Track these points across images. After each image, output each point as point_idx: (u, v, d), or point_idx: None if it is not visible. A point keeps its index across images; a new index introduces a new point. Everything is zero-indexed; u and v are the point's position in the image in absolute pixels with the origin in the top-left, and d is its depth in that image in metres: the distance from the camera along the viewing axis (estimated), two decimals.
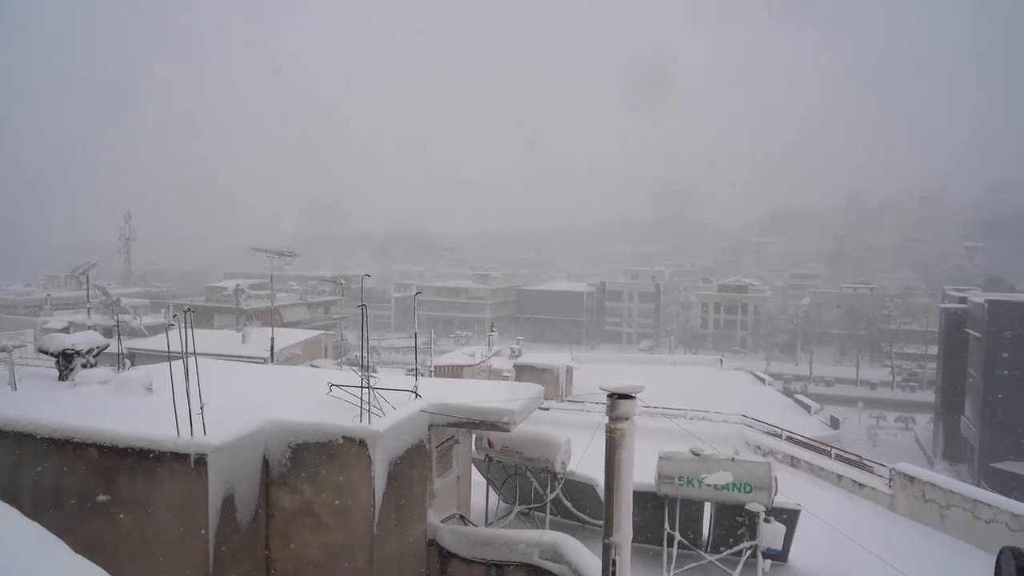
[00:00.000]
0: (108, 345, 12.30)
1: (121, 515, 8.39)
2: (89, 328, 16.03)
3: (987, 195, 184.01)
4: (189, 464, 8.14)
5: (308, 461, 9.08)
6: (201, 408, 8.23)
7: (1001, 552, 6.54)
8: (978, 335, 48.46)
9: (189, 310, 8.80)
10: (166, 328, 9.26)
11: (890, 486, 15.57)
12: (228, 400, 10.00)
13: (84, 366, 11.53)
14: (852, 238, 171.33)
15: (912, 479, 14.98)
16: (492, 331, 40.84)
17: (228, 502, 8.45)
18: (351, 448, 8.98)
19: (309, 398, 10.76)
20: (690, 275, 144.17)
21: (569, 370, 31.03)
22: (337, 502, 9.02)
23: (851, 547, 10.42)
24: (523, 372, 29.39)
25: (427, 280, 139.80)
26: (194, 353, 8.40)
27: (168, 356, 9.02)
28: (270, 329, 22.35)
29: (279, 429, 9.17)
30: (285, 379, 13.69)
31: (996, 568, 6.58)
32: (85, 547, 8.04)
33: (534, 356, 34.88)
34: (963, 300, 54.82)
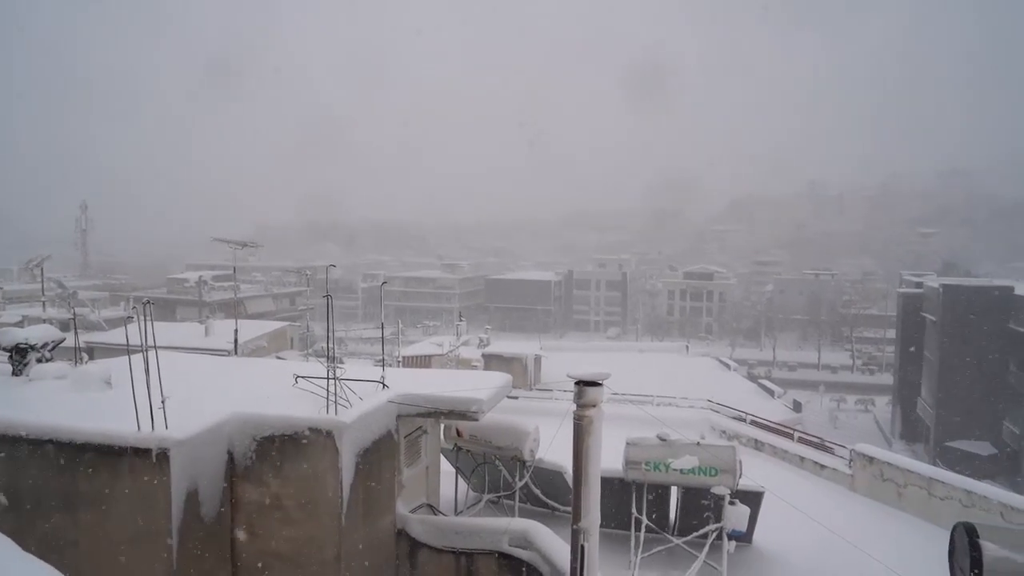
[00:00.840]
0: (64, 339, 11.97)
1: (81, 513, 8.20)
2: (44, 322, 15.59)
3: (940, 182, 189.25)
4: (151, 459, 7.98)
5: (274, 454, 8.98)
6: (163, 402, 8.07)
7: (955, 527, 6.74)
8: (934, 319, 49.92)
9: (148, 302, 8.60)
10: (124, 321, 9.05)
11: (850, 467, 15.99)
12: (191, 394, 9.83)
13: (39, 361, 11.21)
14: (812, 225, 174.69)
15: (871, 459, 15.39)
16: (460, 321, 40.75)
17: (192, 497, 8.32)
18: (318, 440, 8.90)
19: (275, 390, 10.63)
20: (656, 263, 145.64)
21: (537, 359, 31.18)
22: (304, 494, 8.94)
23: (813, 527, 10.68)
24: (492, 361, 29.43)
25: (395, 270, 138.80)
26: (154, 346, 8.22)
27: (127, 349, 8.81)
28: (234, 321, 22.00)
29: (244, 422, 9.04)
30: (250, 371, 13.50)
31: (950, 543, 6.79)
32: (43, 547, 7.86)
33: (503, 345, 34.97)
34: (919, 285, 56.41)
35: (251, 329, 36.13)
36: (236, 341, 20.10)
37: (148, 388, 7.96)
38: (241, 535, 9.07)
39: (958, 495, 13.19)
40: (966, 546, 6.55)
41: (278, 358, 28.84)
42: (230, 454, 9.01)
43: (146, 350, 8.08)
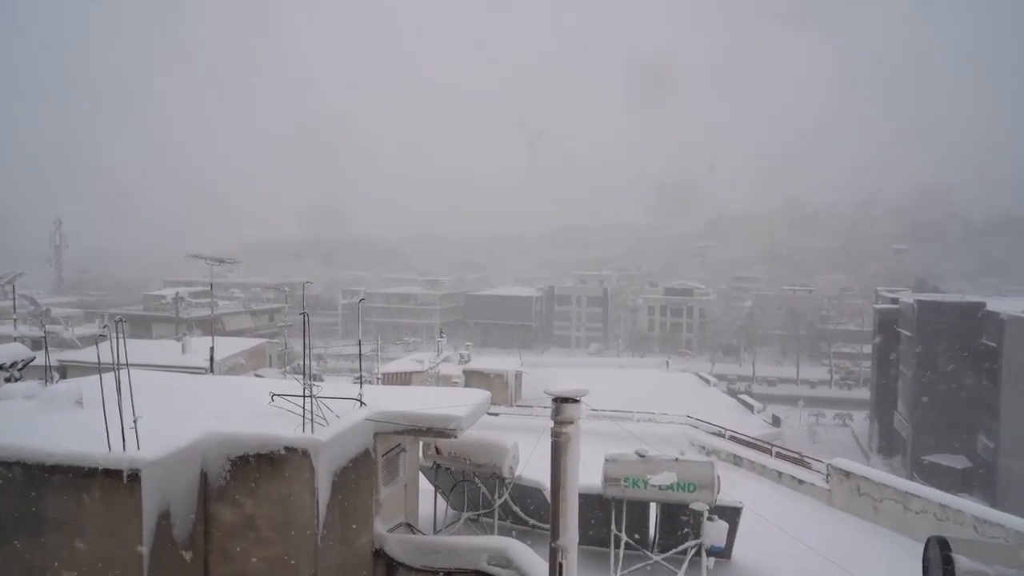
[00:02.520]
0: (35, 358, 11.76)
1: (50, 537, 8.01)
2: (15, 340, 15.30)
3: (915, 200, 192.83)
4: (122, 480, 7.83)
5: (249, 473, 8.85)
6: (134, 422, 7.93)
7: (928, 541, 6.83)
8: (909, 334, 50.64)
9: (121, 320, 8.48)
10: (96, 339, 8.91)
11: (827, 481, 16.10)
12: (165, 413, 9.68)
13: (8, 380, 11.00)
14: (790, 242, 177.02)
15: (848, 474, 15.51)
16: (441, 337, 40.71)
17: (164, 518, 8.16)
18: (294, 458, 8.79)
19: (251, 408, 10.51)
20: (637, 279, 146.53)
21: (518, 375, 31.09)
22: (279, 515, 8.81)
23: (791, 542, 10.73)
24: (472, 378, 29.32)
25: (375, 286, 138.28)
26: (126, 364, 8.09)
27: (99, 368, 8.68)
28: (211, 338, 21.75)
29: (218, 441, 8.91)
30: (226, 389, 13.33)
31: (924, 557, 6.86)
32: (10, 573, 7.68)
33: (483, 361, 34.87)
34: (895, 301, 57.26)
35: (229, 346, 35.75)
36: (212, 358, 19.85)
37: (120, 407, 7.83)
38: (215, 557, 8.91)
39: (933, 509, 13.32)
40: (939, 559, 6.62)
41: (256, 375, 28.50)
42: (204, 474, 8.87)
43: (118, 368, 7.96)
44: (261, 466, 8.83)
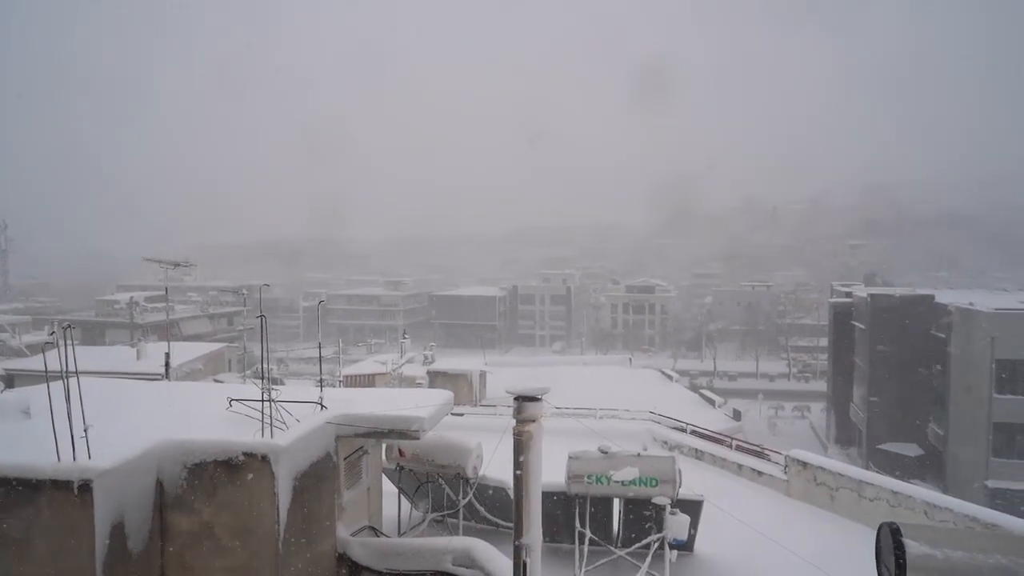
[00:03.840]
0: None
1: None
2: None
3: (867, 196, 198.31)
4: (72, 491, 7.60)
5: (207, 481, 8.67)
6: (85, 431, 7.70)
7: (880, 528, 7.02)
8: (862, 327, 52.02)
9: (69, 326, 8.23)
10: (43, 346, 8.62)
11: (786, 472, 16.44)
12: (118, 421, 9.42)
13: None
14: (749, 238, 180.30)
15: (805, 465, 15.87)
16: (405, 338, 40.40)
17: (117, 530, 7.95)
18: (253, 464, 8.64)
19: (209, 415, 10.31)
20: (599, 277, 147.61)
21: (483, 375, 31.04)
22: (239, 522, 8.65)
23: (751, 532, 10.93)
24: (436, 378, 29.15)
25: (338, 288, 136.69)
26: (75, 372, 7.86)
27: (46, 376, 8.40)
28: (166, 343, 21.24)
29: (174, 448, 8.72)
30: (183, 396, 13.05)
31: (876, 543, 7.07)
32: None
33: (448, 362, 34.73)
34: (849, 295, 58.73)
35: (186, 351, 34.95)
36: (168, 364, 19.39)
37: (69, 416, 7.60)
38: (172, 567, 8.71)
39: (886, 496, 13.71)
40: (891, 545, 6.84)
41: (215, 381, 27.92)
42: (160, 483, 8.67)
43: (67, 376, 7.73)
44: (219, 473, 8.66)
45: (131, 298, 63.29)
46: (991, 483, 38.46)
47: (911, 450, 46.55)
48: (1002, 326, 39.08)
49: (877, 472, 22.50)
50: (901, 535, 6.94)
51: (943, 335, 44.26)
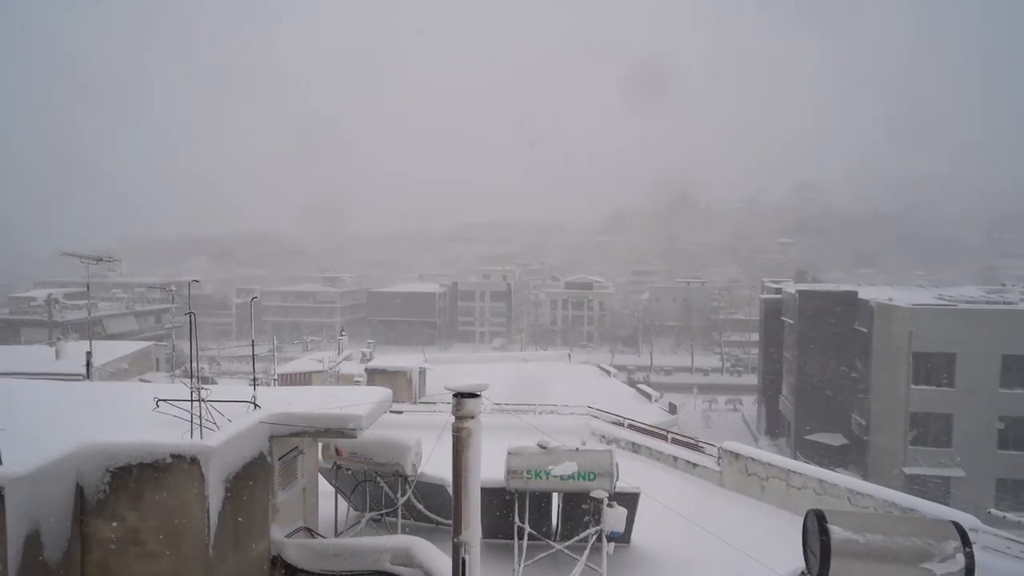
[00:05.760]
0: None
1: None
2: None
3: (796, 196, 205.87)
4: None
5: (131, 485, 8.32)
6: None
7: (807, 514, 7.32)
8: (791, 322, 53.98)
9: None
10: None
11: (719, 464, 16.91)
12: (34, 424, 8.96)
13: None
14: (687, 236, 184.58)
15: (737, 456, 16.35)
16: (342, 335, 39.76)
17: (32, 539, 7.53)
18: (181, 466, 8.34)
19: (134, 416, 9.91)
20: (540, 274, 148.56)
21: (422, 372, 30.81)
22: (166, 527, 8.33)
23: (685, 523, 11.19)
24: (375, 376, 28.79)
25: (273, 284, 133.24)
26: None
27: None
28: (88, 342, 20.27)
29: (96, 452, 8.32)
30: (106, 396, 12.49)
31: (803, 528, 7.35)
32: None
33: (386, 359, 34.37)
34: (778, 291, 60.85)
35: (111, 351, 33.55)
36: (90, 364, 18.52)
37: None
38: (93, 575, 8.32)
39: (812, 484, 14.27)
40: (817, 530, 7.12)
41: (142, 381, 26.84)
42: (80, 488, 8.26)
43: None
44: (145, 476, 8.32)
45: (49, 295, 60.20)
46: (908, 470, 40.52)
47: (836, 440, 48.58)
48: (919, 321, 41.17)
49: (804, 462, 23.37)
50: (826, 521, 7.24)
51: (865, 330, 46.32)
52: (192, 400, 8.86)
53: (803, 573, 7.30)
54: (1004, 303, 43.56)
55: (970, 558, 6.46)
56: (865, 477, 36.82)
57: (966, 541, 6.59)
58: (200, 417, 8.81)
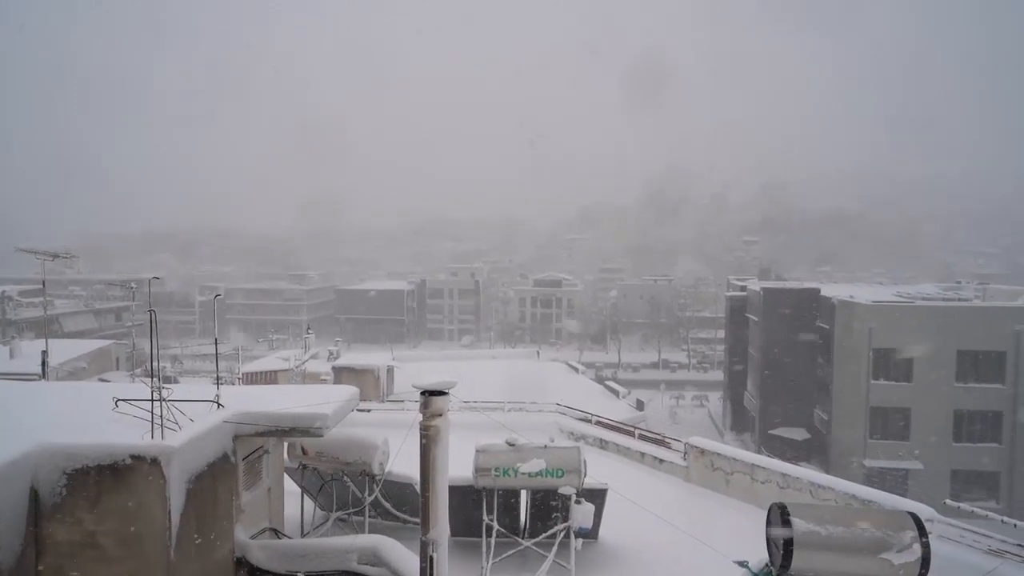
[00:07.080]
0: None
1: None
2: None
3: (762, 194, 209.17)
4: None
5: (89, 487, 8.11)
6: None
7: (771, 508, 7.44)
8: (756, 319, 54.88)
9: None
10: None
11: (685, 459, 17.12)
12: None
13: None
14: (653, 234, 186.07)
15: (703, 451, 16.58)
16: (309, 333, 39.33)
17: None
18: (142, 468, 8.15)
19: (92, 416, 9.63)
20: (508, 271, 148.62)
21: (390, 370, 30.64)
22: (126, 529, 8.14)
23: (652, 518, 11.30)
24: (342, 374, 28.55)
25: (238, 282, 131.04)
26: None
27: None
28: (44, 341, 19.69)
29: (51, 453, 8.09)
30: (63, 397, 12.13)
31: (767, 521, 7.48)
32: None
33: (354, 357, 34.07)
34: (743, 288, 61.80)
35: (68, 349, 32.69)
36: (46, 363, 17.99)
37: None
38: None
39: (776, 478, 14.53)
40: (780, 523, 7.25)
41: (101, 380, 26.19)
42: (35, 491, 8.03)
43: None
44: (103, 478, 8.12)
45: (3, 292, 58.43)
46: (868, 462, 41.54)
47: (799, 434, 49.55)
48: (879, 317, 42.20)
49: (768, 456, 23.78)
50: (789, 514, 7.37)
51: (827, 326, 47.30)
52: (153, 400, 8.65)
53: (767, 565, 7.42)
54: (959, 300, 44.88)
55: (926, 548, 6.64)
56: (827, 470, 37.57)
57: (922, 531, 6.77)
58: (161, 417, 8.61)
